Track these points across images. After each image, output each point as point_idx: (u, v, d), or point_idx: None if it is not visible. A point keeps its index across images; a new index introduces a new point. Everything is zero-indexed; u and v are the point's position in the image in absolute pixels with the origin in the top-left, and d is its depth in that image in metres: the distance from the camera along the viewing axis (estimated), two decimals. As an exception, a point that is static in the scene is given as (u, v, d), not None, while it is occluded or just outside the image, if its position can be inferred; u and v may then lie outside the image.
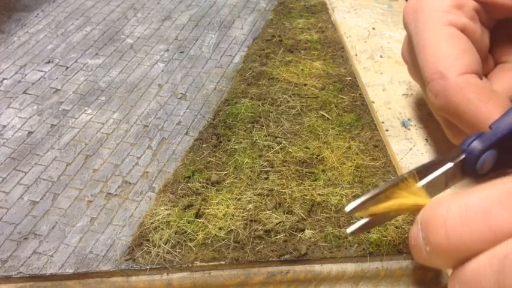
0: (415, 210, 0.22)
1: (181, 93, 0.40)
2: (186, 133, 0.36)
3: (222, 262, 0.27)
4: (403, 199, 0.23)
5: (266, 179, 0.31)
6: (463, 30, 0.29)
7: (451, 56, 0.28)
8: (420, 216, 0.22)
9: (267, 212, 0.29)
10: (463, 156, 0.24)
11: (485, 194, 0.20)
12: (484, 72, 0.31)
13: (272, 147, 0.33)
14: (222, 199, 0.30)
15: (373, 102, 0.40)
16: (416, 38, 0.30)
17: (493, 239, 0.19)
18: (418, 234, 0.21)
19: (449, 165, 0.24)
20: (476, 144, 0.24)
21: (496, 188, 0.20)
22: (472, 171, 0.25)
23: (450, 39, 0.29)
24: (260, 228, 0.28)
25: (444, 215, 0.20)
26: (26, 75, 0.42)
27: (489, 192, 0.20)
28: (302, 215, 0.29)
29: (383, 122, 0.38)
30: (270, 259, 0.27)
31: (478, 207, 0.19)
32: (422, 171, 0.24)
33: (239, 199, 0.30)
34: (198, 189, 0.31)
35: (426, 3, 0.31)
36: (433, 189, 0.24)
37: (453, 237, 0.20)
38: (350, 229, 0.23)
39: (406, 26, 0.32)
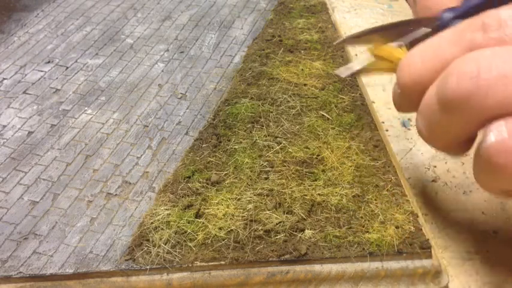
0: (397, 62, 0.26)
1: (181, 93, 0.40)
2: (186, 133, 0.36)
3: (222, 262, 0.27)
4: (388, 52, 0.28)
5: (266, 179, 0.31)
6: None
7: None
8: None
9: (267, 212, 0.29)
10: (438, 23, 0.28)
11: (441, 35, 0.23)
12: None
13: (272, 147, 0.33)
14: (222, 199, 0.30)
15: (373, 102, 0.40)
16: None
17: (441, 68, 0.22)
18: (395, 85, 0.25)
19: (426, 30, 0.27)
20: (449, 13, 0.28)
21: (451, 29, 0.23)
22: None
23: None
24: (260, 228, 0.28)
25: (408, 58, 0.25)
26: (26, 75, 0.42)
27: (444, 33, 0.23)
28: (302, 215, 0.29)
29: (383, 122, 0.38)
30: (270, 259, 0.27)
31: (433, 45, 0.23)
32: (397, 32, 0.28)
33: (239, 199, 0.30)
34: (198, 189, 0.31)
35: None
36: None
37: (413, 73, 0.24)
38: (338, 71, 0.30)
39: None
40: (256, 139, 0.34)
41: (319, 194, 0.30)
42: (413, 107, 0.25)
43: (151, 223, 0.29)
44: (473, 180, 0.36)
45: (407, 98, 0.25)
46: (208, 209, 0.29)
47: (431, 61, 0.23)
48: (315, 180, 0.31)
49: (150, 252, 0.27)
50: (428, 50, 0.23)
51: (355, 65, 0.30)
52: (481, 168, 0.22)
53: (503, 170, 0.21)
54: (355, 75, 0.31)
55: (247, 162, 0.32)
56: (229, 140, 0.34)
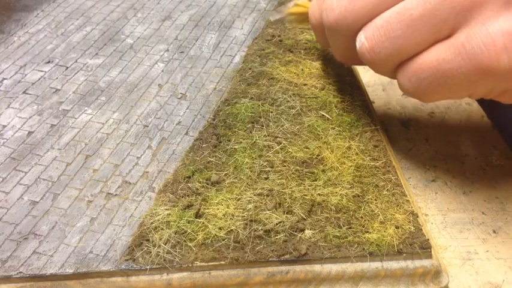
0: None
1: (181, 93, 0.40)
2: (186, 133, 0.36)
3: (222, 262, 0.27)
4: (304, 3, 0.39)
5: (266, 179, 0.31)
6: None
7: None
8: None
9: (267, 212, 0.29)
10: None
11: None
12: None
13: (272, 147, 0.33)
14: (222, 199, 0.30)
15: (373, 102, 0.40)
16: None
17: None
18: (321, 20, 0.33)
19: None
20: None
21: None
22: None
23: None
24: (260, 228, 0.28)
25: (311, 6, 0.35)
26: (26, 75, 0.42)
27: None
28: (302, 215, 0.29)
29: (383, 122, 0.38)
30: (270, 259, 0.27)
31: None
32: None
33: (239, 199, 0.30)
34: (198, 189, 0.31)
35: None
36: None
37: (312, 15, 0.35)
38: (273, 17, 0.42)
39: None
40: (256, 139, 0.34)
41: (319, 194, 0.30)
42: (323, 39, 0.34)
43: (151, 223, 0.29)
44: (473, 180, 0.36)
45: (318, 35, 0.36)
46: (208, 209, 0.29)
47: (319, 4, 0.33)
48: (315, 180, 0.31)
49: (150, 252, 0.27)
50: None
51: (282, 8, 0.42)
52: (367, 64, 0.31)
53: (372, 64, 0.30)
54: (283, 20, 0.42)
55: (247, 162, 0.32)
56: (229, 140, 0.34)
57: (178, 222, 0.28)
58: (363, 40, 0.29)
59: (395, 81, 0.31)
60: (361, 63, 0.32)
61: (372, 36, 0.28)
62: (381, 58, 0.29)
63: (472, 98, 0.30)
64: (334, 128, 0.35)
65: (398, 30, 0.27)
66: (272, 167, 0.32)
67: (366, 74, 0.44)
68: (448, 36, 0.27)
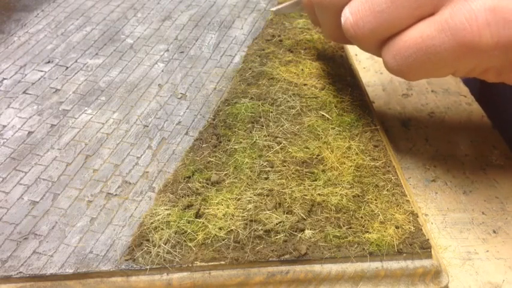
0: None
1: (181, 93, 0.40)
2: (186, 133, 0.36)
3: (222, 262, 0.27)
4: None
5: (266, 179, 0.31)
6: None
7: None
8: None
9: (267, 212, 0.29)
10: None
11: None
12: None
13: (272, 147, 0.33)
14: (222, 199, 0.30)
15: (373, 102, 0.40)
16: None
17: None
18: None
19: None
20: None
21: None
22: None
23: None
24: (260, 228, 0.28)
25: None
26: (26, 75, 0.42)
27: None
28: (302, 215, 0.29)
29: (383, 122, 0.38)
30: (270, 259, 0.27)
31: None
32: None
33: (239, 199, 0.30)
34: (198, 189, 0.31)
35: None
36: None
37: None
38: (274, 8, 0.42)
39: None
40: (256, 139, 0.34)
41: (319, 194, 0.30)
42: (314, 18, 0.36)
43: (151, 223, 0.29)
44: (473, 180, 0.36)
45: (309, 13, 0.37)
46: (208, 209, 0.29)
47: None
48: (315, 180, 0.31)
49: (150, 252, 0.27)
50: None
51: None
52: (351, 40, 0.31)
53: (355, 39, 0.30)
54: (285, 11, 0.43)
55: (247, 162, 0.32)
56: (229, 140, 0.34)
57: (178, 222, 0.28)
58: (347, 15, 0.29)
59: (396, 81, 0.31)
60: (349, 42, 0.33)
61: (356, 11, 0.29)
62: (365, 33, 0.29)
63: (456, 75, 0.31)
64: (334, 128, 0.35)
65: (383, 4, 0.28)
66: (272, 167, 0.32)
67: (366, 74, 0.44)
68: (432, 14, 0.27)
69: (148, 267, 0.26)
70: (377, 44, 0.30)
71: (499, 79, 0.30)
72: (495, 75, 0.29)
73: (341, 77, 0.41)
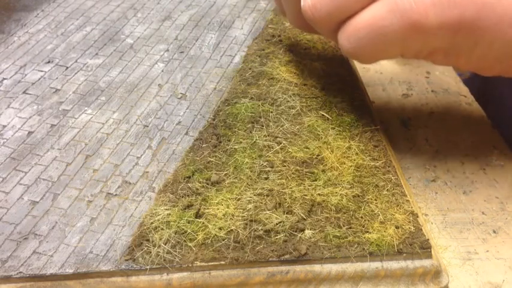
0: None
1: (181, 93, 0.40)
2: (186, 133, 0.36)
3: (222, 262, 0.27)
4: None
5: (266, 179, 0.31)
6: None
7: None
8: None
9: (267, 212, 0.29)
10: None
11: None
12: None
13: (272, 147, 0.33)
14: (222, 199, 0.30)
15: (373, 102, 0.40)
16: None
17: None
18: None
19: None
20: None
21: None
22: None
23: None
24: (260, 228, 0.28)
25: None
26: (26, 75, 0.42)
27: None
28: (302, 215, 0.29)
29: (383, 122, 0.38)
30: (270, 259, 0.27)
31: None
32: None
33: (239, 199, 0.30)
34: (198, 189, 0.31)
35: None
36: None
37: None
38: None
39: None
40: (256, 139, 0.34)
41: (319, 194, 0.30)
42: (280, 6, 0.37)
43: (151, 223, 0.29)
44: (473, 180, 0.36)
45: (276, 3, 0.38)
46: (208, 209, 0.29)
47: None
48: (315, 180, 0.31)
49: (150, 252, 0.27)
50: None
51: None
52: (310, 22, 0.32)
53: (313, 22, 0.31)
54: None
55: (247, 162, 0.32)
56: (229, 140, 0.34)
57: (178, 222, 0.28)
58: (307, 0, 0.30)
59: (396, 81, 0.31)
60: (313, 30, 0.34)
61: None
62: (322, 15, 0.30)
63: (405, 57, 0.31)
64: (334, 128, 0.35)
65: None
66: (272, 167, 0.32)
67: (366, 74, 0.44)
68: None
69: (148, 267, 0.26)
70: (334, 27, 0.31)
71: (446, 62, 0.31)
72: (442, 57, 0.30)
73: (341, 77, 0.41)
